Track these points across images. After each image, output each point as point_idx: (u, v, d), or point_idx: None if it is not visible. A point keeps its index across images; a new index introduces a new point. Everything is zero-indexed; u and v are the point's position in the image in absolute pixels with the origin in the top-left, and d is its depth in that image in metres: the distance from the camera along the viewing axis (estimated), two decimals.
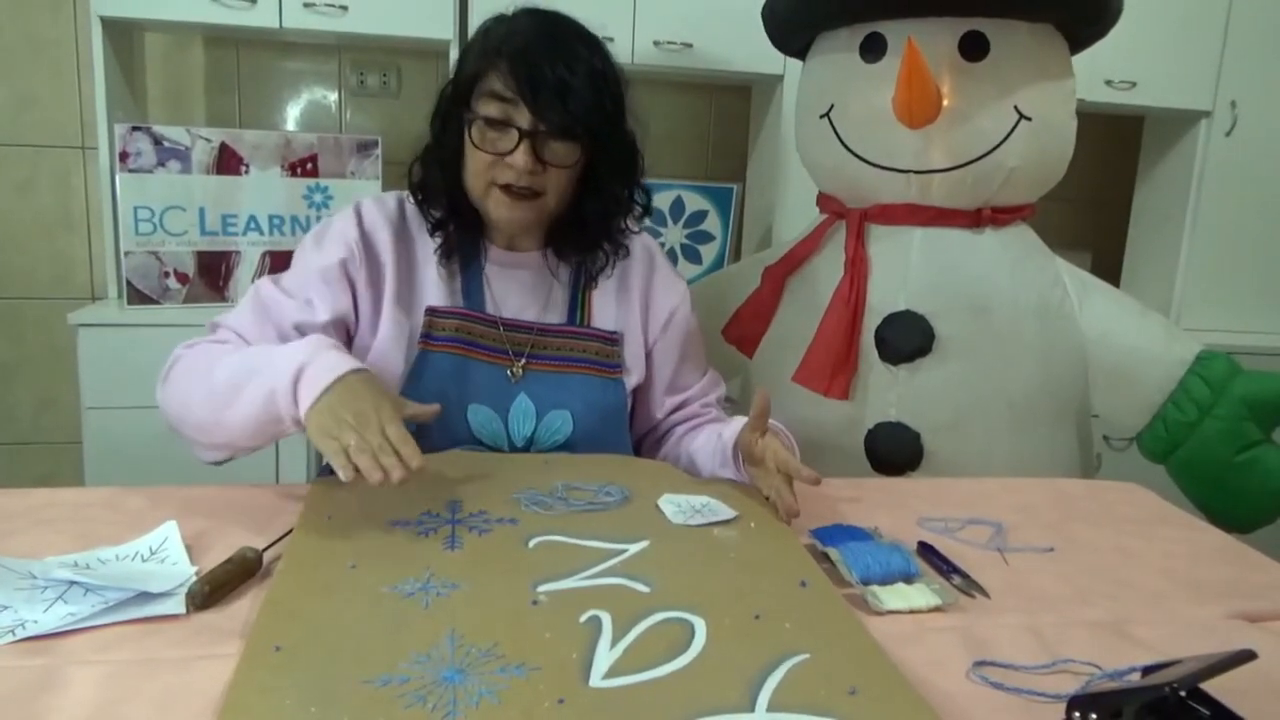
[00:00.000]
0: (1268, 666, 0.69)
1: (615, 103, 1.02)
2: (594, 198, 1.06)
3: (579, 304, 1.12)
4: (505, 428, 1.07)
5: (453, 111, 1.04)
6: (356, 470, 0.80)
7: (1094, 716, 0.58)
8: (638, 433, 1.20)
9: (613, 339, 1.11)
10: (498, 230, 1.09)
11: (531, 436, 1.07)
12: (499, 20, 1.03)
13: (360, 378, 0.87)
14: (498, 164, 1.00)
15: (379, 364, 1.05)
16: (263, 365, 0.89)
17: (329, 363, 0.87)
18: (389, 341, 1.05)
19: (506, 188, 1.01)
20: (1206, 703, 0.60)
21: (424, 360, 1.05)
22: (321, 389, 0.84)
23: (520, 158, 0.98)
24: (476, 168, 1.02)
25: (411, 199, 1.09)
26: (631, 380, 1.13)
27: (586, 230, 1.08)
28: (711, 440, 1.08)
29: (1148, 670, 0.66)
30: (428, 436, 1.04)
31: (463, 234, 1.08)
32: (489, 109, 0.99)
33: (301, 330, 1.01)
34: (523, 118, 0.98)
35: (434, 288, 1.07)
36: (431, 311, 1.06)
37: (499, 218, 1.04)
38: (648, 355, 1.16)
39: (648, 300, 1.15)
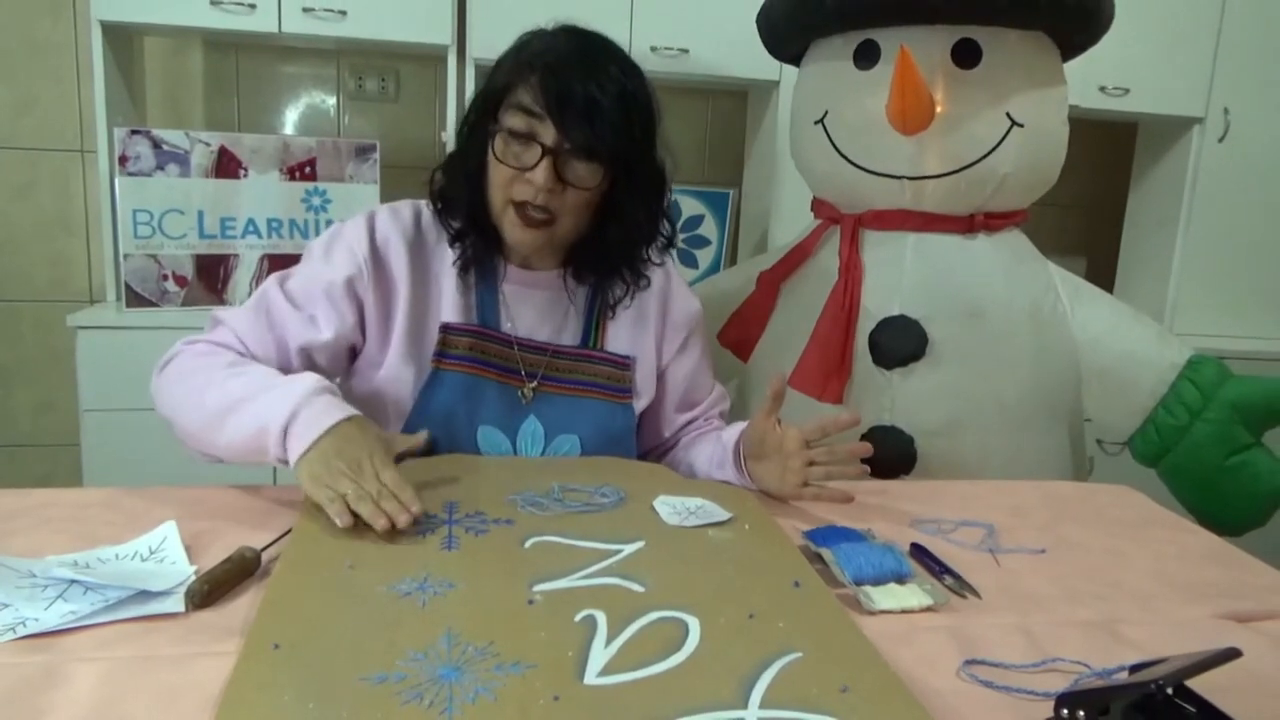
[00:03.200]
0: (1254, 665, 0.70)
1: (645, 129, 1.00)
2: (616, 223, 1.03)
3: (593, 326, 1.10)
4: (514, 450, 1.06)
5: (479, 122, 1.01)
6: (356, 518, 0.81)
7: (1081, 714, 0.59)
8: (644, 447, 1.19)
9: (625, 364, 1.10)
10: (513, 249, 1.07)
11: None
12: (537, 35, 1.00)
13: (352, 425, 0.88)
14: (518, 179, 0.97)
15: (389, 381, 1.04)
16: (255, 399, 0.89)
17: (320, 411, 0.87)
18: (400, 358, 1.03)
19: (521, 209, 0.99)
20: (1193, 701, 0.61)
21: (436, 379, 1.03)
22: (313, 439, 0.85)
23: (540, 175, 0.95)
24: (497, 182, 0.99)
25: (429, 208, 1.07)
26: (641, 404, 1.12)
27: (607, 255, 1.06)
28: (711, 443, 1.08)
29: (1135, 669, 0.67)
30: (437, 453, 1.03)
31: (480, 248, 1.05)
32: (514, 121, 0.96)
33: (306, 352, 1.01)
34: (547, 134, 0.95)
35: (449, 303, 1.05)
36: (446, 329, 1.04)
37: (513, 239, 1.01)
38: (660, 376, 1.15)
39: (664, 322, 1.14)
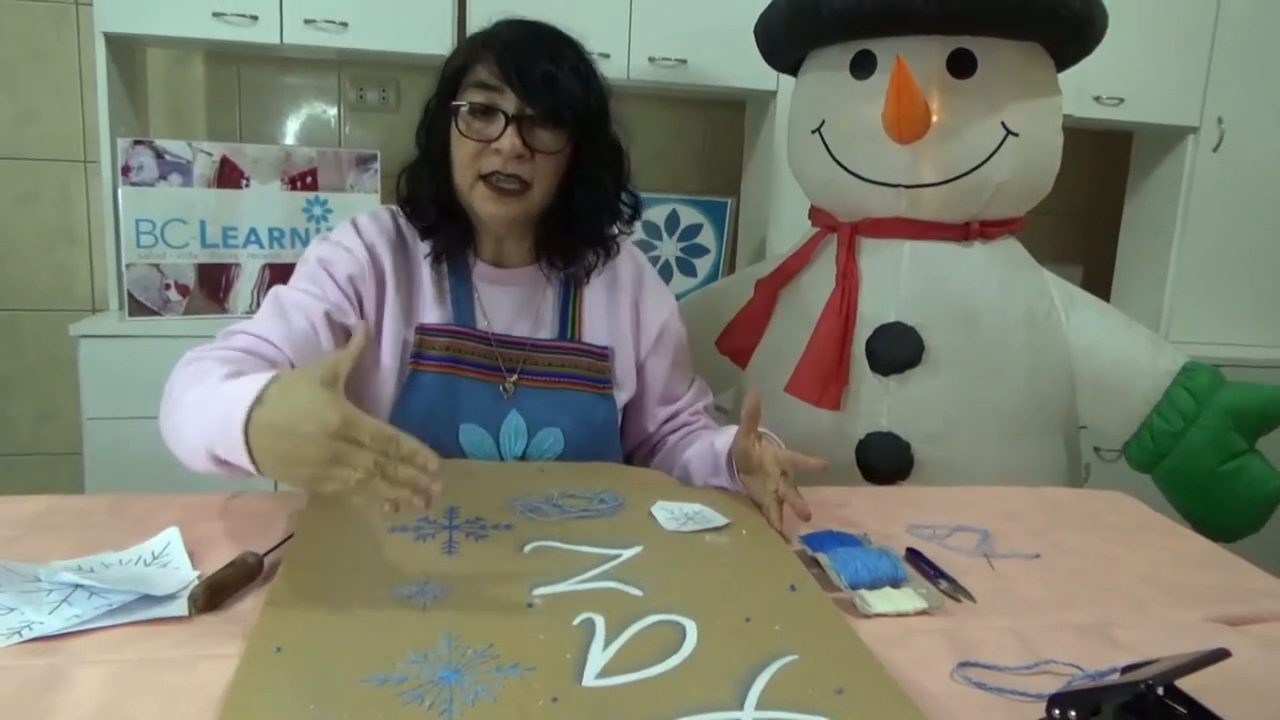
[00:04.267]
0: (1246, 667, 0.71)
1: (599, 100, 1.04)
2: (582, 193, 1.06)
3: (570, 319, 1.13)
4: (497, 446, 1.07)
5: (439, 111, 1.04)
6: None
7: (1073, 714, 0.60)
8: (630, 445, 1.21)
9: (603, 354, 1.12)
10: (486, 232, 1.09)
11: (523, 455, 1.08)
12: (484, 28, 1.05)
13: (265, 406, 0.70)
14: (484, 152, 1.00)
15: (378, 383, 1.05)
16: (190, 431, 0.77)
17: (231, 409, 0.70)
18: (389, 358, 1.05)
19: (492, 183, 1.01)
20: (1184, 702, 0.62)
21: (414, 380, 1.05)
22: (242, 445, 0.70)
23: (507, 142, 0.98)
24: (463, 159, 1.01)
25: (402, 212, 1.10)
26: (623, 396, 1.14)
27: (575, 229, 1.08)
28: (704, 449, 1.09)
29: (1127, 670, 0.68)
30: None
31: (452, 246, 1.08)
32: (475, 97, 1.00)
33: (330, 318, 1.00)
34: (509, 103, 0.99)
35: (429, 303, 1.08)
36: (423, 330, 1.06)
37: (485, 214, 1.03)
38: (639, 369, 1.17)
39: (638, 315, 1.16)
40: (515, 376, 1.08)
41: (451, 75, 1.03)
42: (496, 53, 0.99)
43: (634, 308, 1.16)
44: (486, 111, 1.00)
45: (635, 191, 1.13)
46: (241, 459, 0.71)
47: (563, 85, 0.99)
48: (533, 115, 0.99)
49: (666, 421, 1.20)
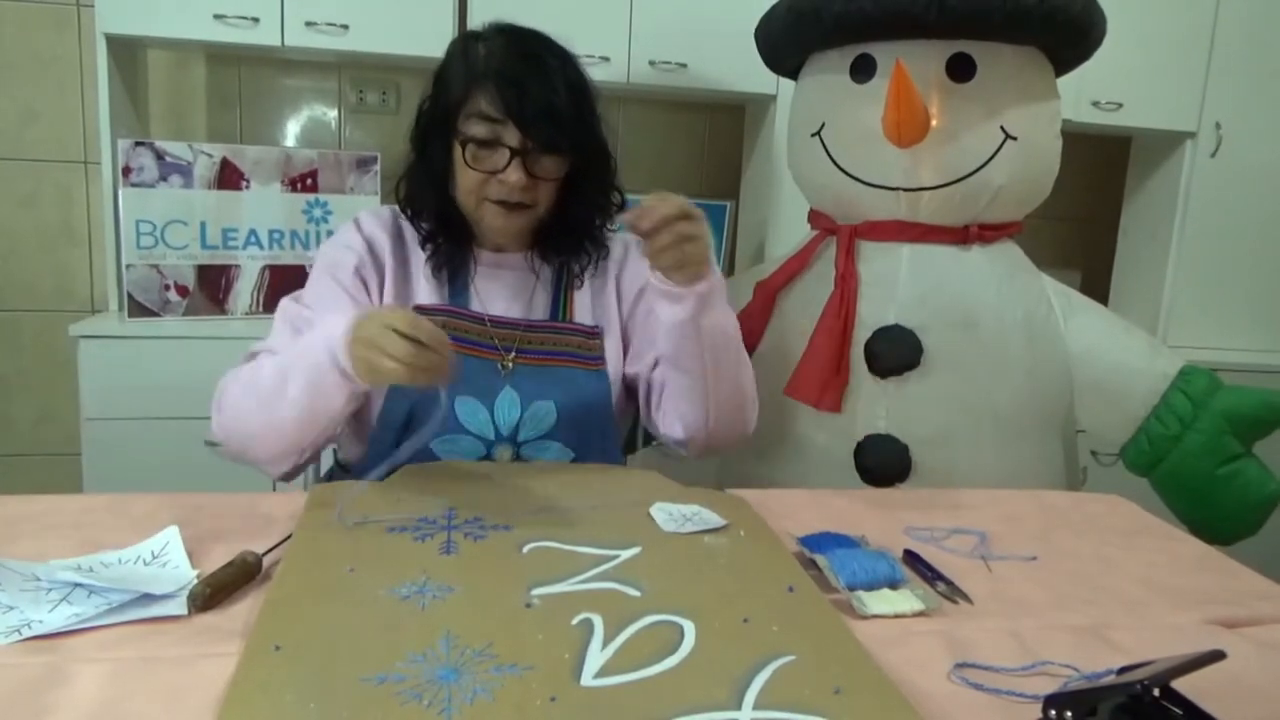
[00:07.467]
0: (1241, 669, 0.71)
1: (592, 113, 1.09)
2: (578, 202, 1.12)
3: (561, 302, 1.17)
4: (491, 417, 1.10)
5: (438, 130, 1.09)
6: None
7: (1069, 714, 0.60)
8: (635, 406, 1.23)
9: (593, 333, 1.17)
10: (486, 238, 1.15)
11: (517, 425, 1.11)
12: (473, 37, 1.08)
13: (362, 314, 0.92)
14: (490, 181, 1.06)
15: None
16: (297, 354, 0.98)
17: (335, 322, 0.94)
18: None
19: (499, 201, 1.07)
20: (1179, 703, 0.62)
21: None
22: (345, 339, 0.91)
23: (513, 175, 1.04)
24: (468, 185, 1.07)
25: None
26: (612, 370, 1.17)
27: (572, 233, 1.14)
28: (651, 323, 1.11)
29: (1123, 671, 0.68)
30: (416, 427, 1.07)
31: (452, 243, 1.13)
32: (478, 130, 1.04)
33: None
34: (512, 137, 1.04)
35: (424, 290, 1.13)
36: (419, 309, 1.10)
37: (493, 227, 1.10)
38: (624, 334, 1.20)
39: (620, 284, 1.21)
40: (513, 355, 1.12)
41: (452, 102, 1.06)
42: (495, 82, 1.02)
43: (618, 280, 1.21)
44: (490, 144, 1.04)
45: (621, 189, 1.17)
46: (343, 349, 0.91)
47: (561, 114, 1.03)
48: (534, 147, 1.04)
49: (655, 367, 1.18)
